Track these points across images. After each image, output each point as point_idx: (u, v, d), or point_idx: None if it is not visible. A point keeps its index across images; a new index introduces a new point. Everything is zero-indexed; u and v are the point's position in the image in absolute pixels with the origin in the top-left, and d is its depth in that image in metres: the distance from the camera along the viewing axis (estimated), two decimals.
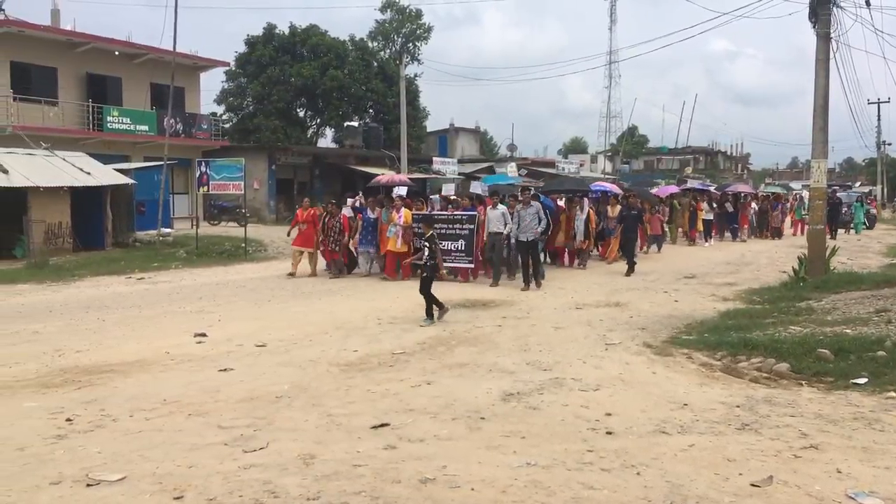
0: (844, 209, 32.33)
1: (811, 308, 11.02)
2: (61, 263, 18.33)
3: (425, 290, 10.79)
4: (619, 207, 19.14)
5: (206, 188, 21.75)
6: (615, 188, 23.79)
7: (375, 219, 16.44)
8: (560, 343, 9.33)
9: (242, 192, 22.13)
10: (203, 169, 21.63)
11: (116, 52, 30.04)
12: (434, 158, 39.14)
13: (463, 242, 15.41)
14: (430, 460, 5.18)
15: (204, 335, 9.85)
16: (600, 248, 20.20)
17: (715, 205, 26.91)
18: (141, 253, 20.99)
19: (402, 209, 15.81)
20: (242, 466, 5.05)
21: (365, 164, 35.84)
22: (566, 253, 18.80)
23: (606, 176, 53.77)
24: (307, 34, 41.50)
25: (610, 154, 70.19)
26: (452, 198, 18.79)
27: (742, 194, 29.77)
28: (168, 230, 24.42)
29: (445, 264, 14.39)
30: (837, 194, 32.97)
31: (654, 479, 4.84)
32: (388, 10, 49.51)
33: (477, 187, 22.71)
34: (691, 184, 31.29)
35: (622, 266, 17.44)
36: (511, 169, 39.22)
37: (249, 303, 12.90)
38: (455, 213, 16.25)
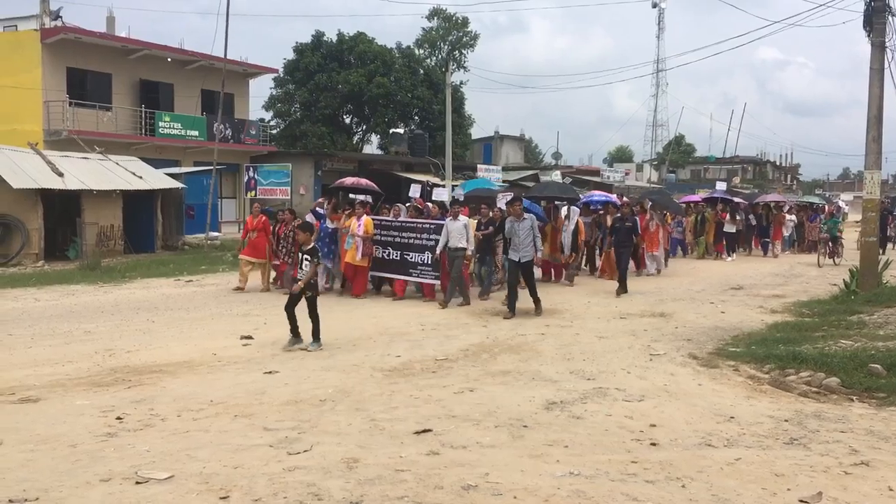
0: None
1: (863, 322, 10.79)
2: (113, 265, 18.72)
3: (312, 312, 9.32)
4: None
5: (253, 193, 22.07)
6: (614, 198, 21.16)
7: (334, 228, 14.53)
8: (604, 353, 9.26)
9: (289, 197, 22.37)
10: (251, 174, 22.04)
11: (169, 59, 30.64)
12: (479, 166, 39.16)
13: (429, 255, 13.52)
14: (472, 467, 5.18)
15: (250, 338, 9.99)
16: (599, 262, 18.39)
17: (738, 217, 24.19)
18: (189, 256, 21.36)
19: (363, 217, 14.01)
20: (287, 468, 5.11)
21: (410, 171, 36.02)
22: (551, 267, 16.95)
23: (652, 185, 53.30)
24: (355, 41, 41.89)
25: (656, 163, 69.59)
26: (428, 204, 16.65)
27: (774, 203, 26.71)
28: (216, 234, 24.82)
29: (409, 278, 13.95)
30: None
31: (699, 493, 4.79)
32: (435, 18, 49.68)
33: (442, 194, 19.81)
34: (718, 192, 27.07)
35: (615, 284, 15.41)
36: (556, 177, 39.09)
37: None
38: (421, 221, 14.33)
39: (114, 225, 21.36)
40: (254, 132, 34.23)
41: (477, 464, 5.25)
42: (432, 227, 13.81)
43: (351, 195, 16.62)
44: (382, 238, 14.12)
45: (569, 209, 16.99)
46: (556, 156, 54.12)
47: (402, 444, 5.67)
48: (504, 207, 14.21)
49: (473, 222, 14.01)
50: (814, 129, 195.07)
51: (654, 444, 5.76)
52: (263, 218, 15.26)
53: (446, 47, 49.43)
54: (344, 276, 14.46)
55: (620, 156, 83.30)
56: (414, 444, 5.70)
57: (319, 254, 9.73)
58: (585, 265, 18.52)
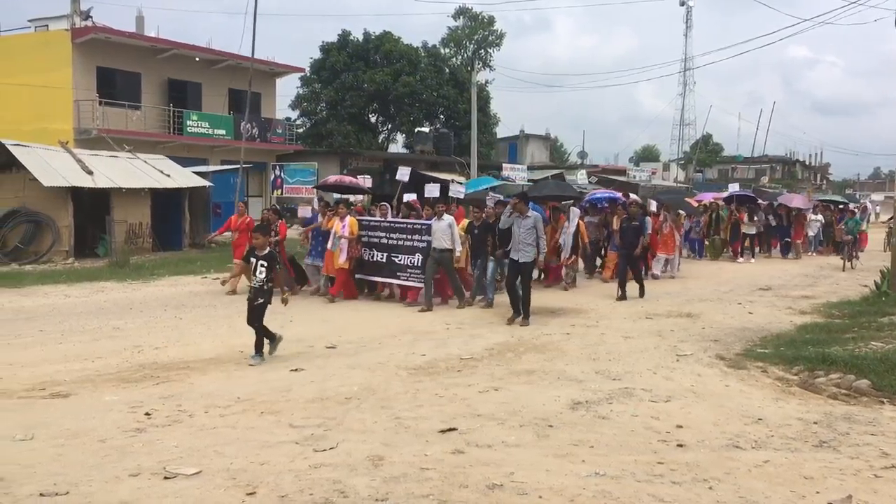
0: None
1: (894, 323, 10.62)
2: (141, 263, 18.92)
3: (257, 321, 8.58)
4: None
5: (279, 191, 22.18)
6: (620, 196, 19.94)
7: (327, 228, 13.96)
8: (629, 353, 9.21)
9: (314, 195, 22.46)
10: (277, 172, 22.14)
11: (197, 59, 30.94)
12: (504, 165, 39.12)
13: (420, 257, 12.91)
14: (497, 466, 5.17)
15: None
16: (603, 265, 17.64)
17: (756, 217, 23.01)
18: (216, 254, 21.51)
19: (347, 217, 13.44)
20: (313, 465, 5.13)
21: (435, 170, 36.03)
22: (548, 270, 15.90)
23: (679, 185, 52.92)
24: (381, 41, 42.03)
25: (683, 162, 69.06)
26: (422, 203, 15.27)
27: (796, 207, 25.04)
28: None
29: (396, 281, 13.40)
30: None
31: (727, 495, 4.74)
32: (461, 17, 49.73)
33: (459, 192, 18.09)
34: (731, 190, 25.59)
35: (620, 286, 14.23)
36: (581, 176, 38.95)
37: (319, 305, 13.08)
38: (410, 222, 13.69)
39: (142, 223, 21.59)
40: (280, 131, 34.47)
41: (502, 463, 5.25)
42: (423, 227, 13.06)
43: (336, 196, 16.13)
44: (370, 239, 13.60)
45: (569, 209, 16.22)
46: (582, 155, 53.96)
47: (428, 443, 5.68)
48: (493, 206, 13.66)
49: (465, 222, 13.58)
50: (844, 129, 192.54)
51: (680, 445, 5.71)
52: (248, 218, 14.76)
53: (472, 46, 49.46)
54: (329, 279, 13.78)
55: (647, 155, 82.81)
56: (439, 442, 5.70)
57: (278, 260, 8.92)
58: (586, 270, 17.58)
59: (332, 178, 17.65)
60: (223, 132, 30.89)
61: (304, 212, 15.63)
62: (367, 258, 13.55)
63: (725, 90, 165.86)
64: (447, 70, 44.46)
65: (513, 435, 5.93)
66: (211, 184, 24.19)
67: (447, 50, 48.62)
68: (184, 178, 23.37)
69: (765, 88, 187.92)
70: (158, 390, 7.23)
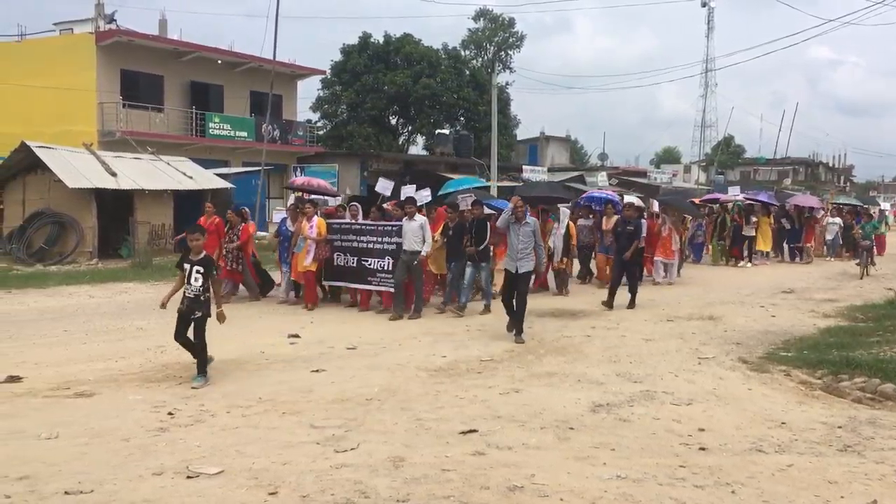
0: None
1: None
2: (164, 263, 19.04)
3: (199, 337, 7.61)
4: (615, 219, 15.23)
5: (300, 194, 22.23)
6: (616, 197, 18.87)
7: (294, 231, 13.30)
8: (651, 355, 9.16)
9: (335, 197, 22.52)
10: (298, 174, 22.17)
11: (219, 61, 31.13)
12: (524, 167, 39.08)
13: (390, 260, 12.21)
14: (518, 468, 5.17)
15: (297, 336, 10.09)
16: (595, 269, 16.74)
17: (754, 219, 21.94)
18: None
19: (315, 217, 12.74)
20: (334, 466, 5.15)
21: (455, 172, 36.02)
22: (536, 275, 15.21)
23: (700, 186, 52.57)
24: (401, 43, 42.09)
25: (704, 164, 68.63)
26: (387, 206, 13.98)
27: (807, 207, 24.01)
28: (263, 234, 25.11)
29: (368, 287, 12.59)
30: None
31: (750, 499, 4.71)
32: (482, 19, 49.73)
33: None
34: (731, 193, 24.67)
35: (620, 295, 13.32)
36: (602, 178, 38.80)
37: (339, 306, 13.12)
38: (381, 224, 12.76)
39: (165, 224, 21.75)
40: (301, 133, 34.61)
41: (523, 465, 5.24)
42: (394, 229, 12.28)
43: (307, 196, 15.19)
44: (341, 243, 12.84)
45: (559, 210, 15.58)
46: (602, 157, 53.68)
47: (448, 444, 5.68)
48: (467, 208, 12.87)
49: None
50: (868, 130, 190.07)
51: (703, 449, 5.68)
52: (217, 219, 13.57)
53: (492, 48, 49.43)
54: (297, 284, 13.19)
55: (668, 157, 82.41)
56: (460, 444, 5.70)
57: (215, 267, 7.94)
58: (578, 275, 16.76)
59: (300, 180, 16.77)
60: (245, 134, 31.06)
61: (279, 216, 14.55)
62: (338, 263, 12.88)
63: (748, 91, 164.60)
64: (467, 72, 44.45)
65: (533, 437, 5.92)
66: (232, 185, 24.34)
67: (467, 52, 48.62)
68: (206, 179, 23.54)
69: (787, 89, 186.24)
70: (181, 390, 7.29)
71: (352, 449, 5.52)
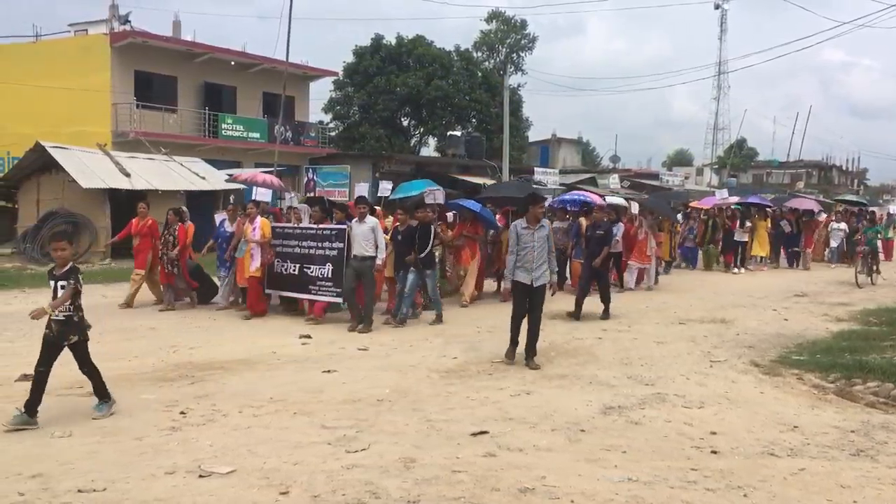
0: None
1: None
2: None
3: (86, 364, 6.52)
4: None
5: (312, 194, 22.30)
6: (593, 198, 17.78)
7: (232, 233, 12.52)
8: (662, 358, 9.14)
9: (347, 198, 22.59)
10: (310, 175, 22.25)
11: (232, 63, 31.25)
12: (535, 169, 39.00)
13: (330, 268, 11.32)
14: (529, 470, 5.16)
15: (308, 337, 10.13)
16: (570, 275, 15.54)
17: (749, 223, 21.09)
18: None
19: (258, 219, 11.93)
20: (345, 466, 5.17)
21: (467, 174, 36.06)
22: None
23: (712, 189, 52.36)
24: (413, 45, 42.13)
25: (716, 167, 68.34)
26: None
27: (805, 210, 23.26)
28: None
29: (308, 296, 11.78)
30: None
31: (762, 503, 4.70)
32: (494, 21, 49.71)
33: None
34: (720, 196, 23.82)
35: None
36: (613, 180, 38.73)
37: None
38: (322, 227, 11.80)
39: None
40: (313, 134, 34.70)
41: (533, 467, 5.24)
42: (334, 233, 11.43)
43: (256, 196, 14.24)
44: (283, 249, 12.00)
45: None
46: (614, 159, 53.51)
47: (459, 446, 5.68)
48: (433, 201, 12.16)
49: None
50: (882, 133, 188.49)
51: (714, 452, 5.66)
52: (150, 220, 12.97)
53: (504, 50, 49.40)
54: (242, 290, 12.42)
55: (680, 159, 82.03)
56: (470, 445, 5.70)
57: (80, 277, 6.46)
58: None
59: (244, 175, 15.79)
60: (257, 135, 31.16)
61: (219, 217, 13.61)
62: (279, 270, 12.03)
63: (761, 94, 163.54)
64: (479, 74, 44.46)
65: (544, 439, 5.92)
66: (245, 186, 24.41)
67: (479, 54, 48.61)
68: (218, 180, 23.62)
69: (801, 92, 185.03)
70: (193, 389, 7.32)
71: (363, 449, 5.53)
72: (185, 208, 13.50)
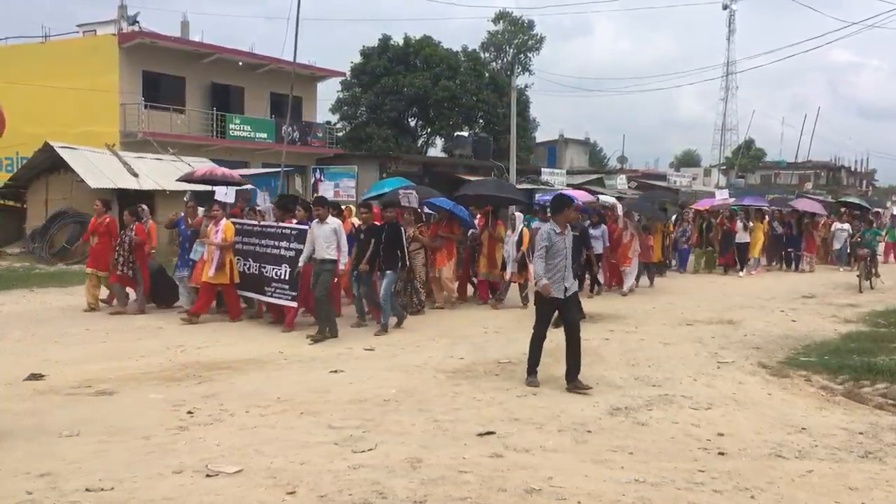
0: None
1: None
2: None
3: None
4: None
5: (316, 194, 22.31)
6: (584, 195, 16.94)
7: (195, 232, 11.93)
8: (669, 359, 9.12)
9: (355, 198, 22.59)
10: (318, 176, 22.26)
11: (240, 63, 31.29)
12: (543, 169, 39.00)
13: (286, 269, 10.76)
14: (535, 471, 5.16)
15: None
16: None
17: (749, 224, 20.46)
18: None
19: (223, 222, 11.40)
20: (352, 466, 5.17)
21: (473, 174, 36.04)
22: (484, 285, 13.81)
23: (719, 189, 52.27)
24: (421, 45, 42.17)
25: (724, 168, 68.19)
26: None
27: (806, 213, 22.39)
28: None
29: (264, 298, 11.32)
30: None
31: None
32: (501, 22, 49.72)
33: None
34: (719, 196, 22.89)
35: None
36: (621, 181, 38.69)
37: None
38: (282, 226, 11.30)
39: None
40: (320, 135, 34.72)
41: (540, 467, 5.23)
42: (293, 233, 10.89)
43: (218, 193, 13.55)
44: (245, 247, 11.55)
45: (514, 215, 13.72)
46: (622, 159, 53.51)
47: (465, 446, 5.68)
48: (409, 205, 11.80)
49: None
50: (891, 134, 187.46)
51: (721, 453, 5.65)
52: (108, 219, 12.54)
53: (512, 51, 49.41)
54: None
55: (687, 160, 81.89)
56: (477, 445, 5.70)
57: None
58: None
59: (202, 170, 15.13)
60: (265, 136, 31.20)
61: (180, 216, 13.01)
62: (241, 269, 11.53)
63: (769, 94, 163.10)
64: (487, 74, 44.48)
65: (551, 440, 5.91)
66: (252, 186, 24.45)
67: (487, 54, 48.65)
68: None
69: (809, 92, 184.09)
70: (201, 389, 7.34)
71: (369, 450, 5.53)
72: (144, 206, 12.98)
